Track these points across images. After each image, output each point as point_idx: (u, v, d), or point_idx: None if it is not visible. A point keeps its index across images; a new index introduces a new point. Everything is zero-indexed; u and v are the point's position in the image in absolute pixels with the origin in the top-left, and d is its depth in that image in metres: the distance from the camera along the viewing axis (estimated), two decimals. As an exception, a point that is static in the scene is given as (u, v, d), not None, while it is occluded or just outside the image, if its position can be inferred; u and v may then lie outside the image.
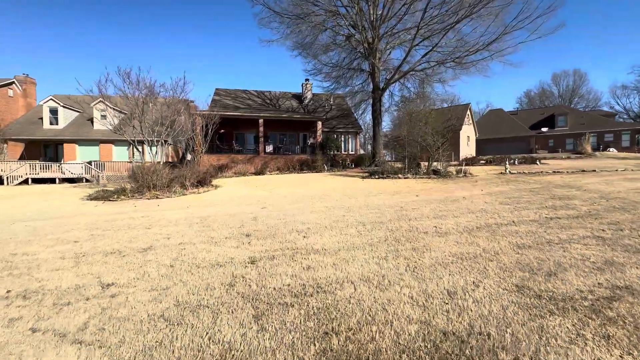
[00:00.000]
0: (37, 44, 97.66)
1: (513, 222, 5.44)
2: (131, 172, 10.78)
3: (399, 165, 16.01)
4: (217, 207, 8.14)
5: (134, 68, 14.23)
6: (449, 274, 3.26)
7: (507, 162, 14.90)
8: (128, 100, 13.31)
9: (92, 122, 24.30)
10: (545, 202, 7.11)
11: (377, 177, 14.13)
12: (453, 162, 18.06)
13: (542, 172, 14.27)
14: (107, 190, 10.65)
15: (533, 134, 37.02)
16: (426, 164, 15.65)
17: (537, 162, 19.05)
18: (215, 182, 14.88)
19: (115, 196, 9.66)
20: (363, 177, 14.64)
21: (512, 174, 14.14)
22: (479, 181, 11.69)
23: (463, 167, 13.81)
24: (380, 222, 5.74)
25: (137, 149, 14.61)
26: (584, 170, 14.28)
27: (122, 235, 5.36)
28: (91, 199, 9.89)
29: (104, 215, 7.38)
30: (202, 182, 12.71)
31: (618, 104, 60.05)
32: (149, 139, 13.61)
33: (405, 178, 13.43)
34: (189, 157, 18.28)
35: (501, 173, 14.51)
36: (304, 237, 4.90)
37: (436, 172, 14.14)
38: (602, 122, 35.15)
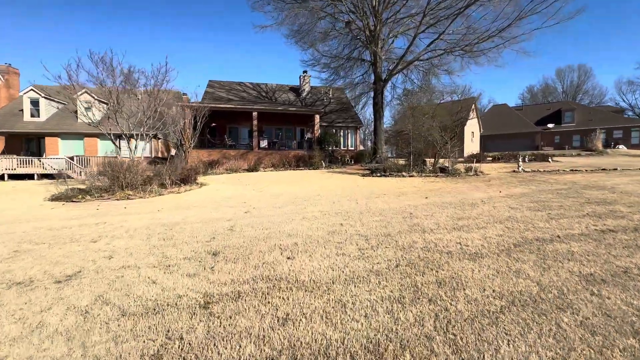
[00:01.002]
0: (23, 34, 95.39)
1: (558, 237, 4.24)
2: (102, 168, 9.53)
3: (402, 162, 14.79)
4: (193, 210, 6.92)
5: (111, 54, 12.93)
6: (507, 340, 2.06)
7: (519, 160, 13.70)
8: (102, 89, 11.99)
9: (76, 115, 22.92)
10: (583, 208, 5.90)
11: (378, 174, 12.92)
12: (458, 159, 16.83)
13: (558, 170, 13.08)
14: (75, 189, 9.42)
15: (539, 130, 35.77)
16: (432, 160, 14.45)
17: (550, 160, 17.87)
18: (202, 179, 13.65)
19: (81, 196, 8.43)
20: (363, 175, 13.43)
21: (527, 172, 12.95)
22: (493, 180, 10.49)
23: (473, 165, 12.62)
24: (387, 234, 4.54)
25: (115, 144, 13.34)
26: (604, 169, 13.08)
27: (54, 252, 4.14)
28: (53, 200, 8.66)
29: (54, 221, 6.16)
30: (186, 179, 11.48)
31: (624, 100, 58.77)
32: (126, 132, 12.33)
33: (410, 176, 12.22)
34: (173, 152, 16.99)
35: (514, 171, 13.32)
36: (288, 258, 3.70)
37: (443, 170, 12.93)
38: (611, 118, 33.91)
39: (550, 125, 35.89)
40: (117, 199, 8.35)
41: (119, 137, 22.94)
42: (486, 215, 5.60)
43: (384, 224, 5.18)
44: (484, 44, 14.43)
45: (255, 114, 19.49)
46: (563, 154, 24.06)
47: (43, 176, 18.91)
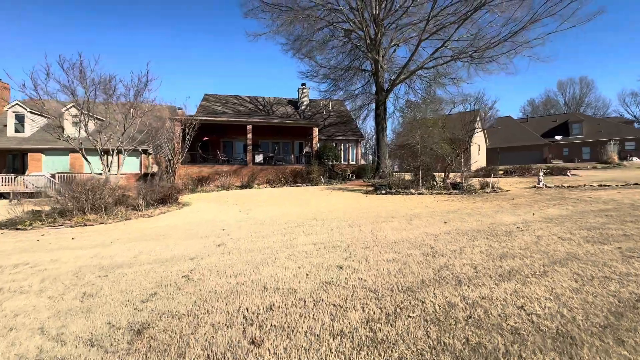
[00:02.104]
0: (22, 47, 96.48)
1: (667, 294, 2.80)
2: (60, 188, 8.19)
3: (408, 177, 13.42)
4: (154, 243, 5.50)
5: (79, 59, 11.60)
6: None
7: (539, 174, 12.32)
8: (75, 99, 10.83)
9: (63, 130, 21.84)
10: (658, 239, 4.48)
11: (383, 192, 11.53)
12: (460, 173, 15.35)
13: (584, 185, 11.67)
14: (31, 211, 8.04)
15: (546, 142, 34.56)
16: (441, 175, 13.10)
17: (568, 174, 16.48)
18: (187, 198, 12.28)
19: (29, 222, 7.04)
20: (366, 192, 12.04)
21: (550, 188, 11.55)
22: (517, 199, 9.07)
23: (490, 180, 11.24)
24: (406, 289, 3.11)
25: (86, 159, 12.06)
26: (636, 184, 11.66)
27: None
28: (-3, 226, 7.27)
29: (-31, 260, 4.74)
30: (165, 200, 10.11)
31: (628, 112, 57.98)
32: (99, 147, 11.09)
33: (419, 194, 10.82)
34: (155, 169, 15.70)
35: (534, 187, 11.92)
36: (252, 342, 2.27)
37: (456, 186, 11.54)
38: (622, 129, 32.72)
39: (557, 138, 34.70)
40: (72, 226, 6.96)
41: (105, 152, 21.86)
42: (534, 250, 4.17)
43: (399, 266, 3.75)
44: (494, 50, 13.35)
45: (249, 127, 18.33)
46: (577, 167, 22.69)
47: (23, 195, 17.59)
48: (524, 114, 67.40)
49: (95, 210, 7.86)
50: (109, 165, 11.62)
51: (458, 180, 12.78)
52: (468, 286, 3.10)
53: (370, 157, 54.39)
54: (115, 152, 11.95)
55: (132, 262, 4.35)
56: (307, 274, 3.60)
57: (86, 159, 11.99)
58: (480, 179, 12.08)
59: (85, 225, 6.95)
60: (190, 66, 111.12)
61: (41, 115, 23.13)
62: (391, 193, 11.25)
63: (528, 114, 66.89)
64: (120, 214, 7.84)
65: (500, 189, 11.10)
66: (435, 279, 3.33)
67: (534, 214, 6.78)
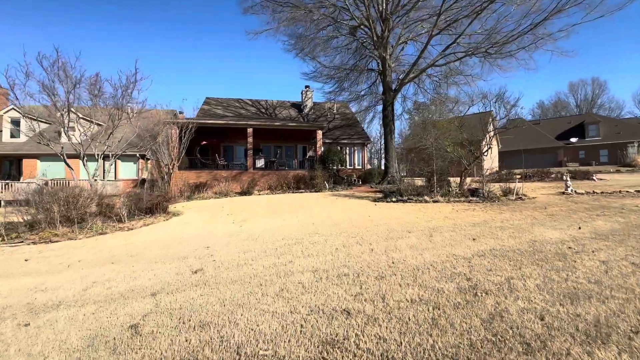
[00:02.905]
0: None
1: None
2: (30, 197, 7.30)
3: (419, 182, 12.29)
4: (117, 268, 4.51)
5: (56, 55, 10.50)
6: None
7: (567, 179, 11.11)
8: (54, 101, 10.02)
9: (59, 135, 21.25)
10: None
11: (394, 199, 10.43)
12: (475, 178, 14.07)
13: (619, 191, 10.42)
14: (2, 224, 7.15)
15: (561, 144, 33.08)
16: (457, 181, 11.97)
17: (594, 178, 15.18)
18: (180, 206, 11.34)
19: (-12, 238, 6.14)
20: (375, 200, 10.95)
21: (580, 194, 10.34)
22: (549, 208, 7.91)
23: (515, 186, 10.07)
24: (450, 357, 2.04)
25: (68, 165, 11.21)
26: (679, 189, 10.39)
27: None
28: (-46, 242, 6.37)
29: None
30: (154, 209, 9.18)
31: (644, 113, 55.90)
32: (82, 152, 10.25)
33: (433, 201, 9.71)
34: (146, 175, 14.84)
35: (563, 193, 10.70)
36: None
37: (475, 193, 10.41)
38: (642, 130, 31.11)
39: (573, 140, 33.20)
40: (35, 242, 6.03)
41: (104, 157, 21.18)
42: (610, 285, 3.07)
43: (431, 312, 2.68)
44: (513, 45, 12.26)
45: (250, 130, 17.43)
46: (599, 170, 21.27)
47: (11, 203, 16.89)
48: (533, 117, 65.70)
49: (69, 223, 6.93)
50: (95, 171, 10.75)
51: (475, 185, 11.64)
52: (546, 358, 2.02)
53: (375, 162, 53.25)
54: (101, 156, 11.10)
55: (76, 299, 3.35)
56: (301, 326, 2.55)
57: (68, 165, 11.15)
58: (501, 184, 10.91)
59: (50, 241, 6.01)
60: (193, 71, 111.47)
61: (41, 121, 22.64)
62: (402, 201, 10.16)
63: (537, 116, 65.20)
64: (96, 227, 6.90)
65: (525, 195, 9.92)
66: (489, 338, 2.25)
67: (579, 227, 5.64)
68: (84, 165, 10.73)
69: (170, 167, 14.53)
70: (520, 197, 9.55)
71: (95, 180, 18.15)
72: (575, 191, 10.64)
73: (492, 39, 12.63)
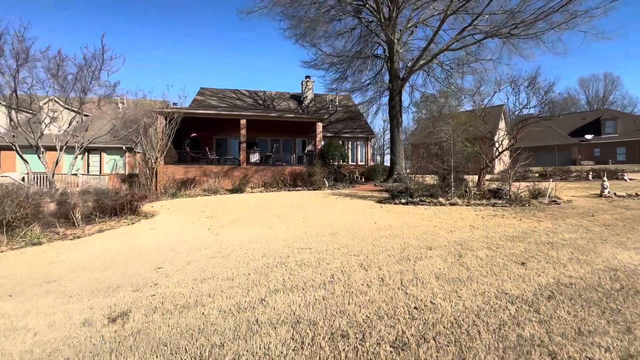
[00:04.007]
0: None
1: None
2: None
3: (429, 180, 10.80)
4: (9, 305, 3.11)
5: None
6: None
7: (604, 178, 9.60)
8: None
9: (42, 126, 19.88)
10: None
11: (403, 200, 8.97)
12: (489, 176, 12.47)
13: (666, 194, 8.94)
14: None
15: (575, 141, 31.38)
16: (473, 179, 10.50)
17: (625, 178, 13.65)
18: (158, 205, 9.95)
19: None
20: (380, 201, 9.50)
21: (621, 197, 8.86)
22: (598, 215, 6.43)
23: (548, 186, 8.58)
24: None
25: (24, 159, 9.81)
26: None
27: None
28: None
29: None
30: (122, 209, 7.79)
31: (659, 110, 53.85)
32: (35, 143, 8.86)
33: (450, 204, 8.24)
34: (135, 170, 13.42)
35: (599, 195, 9.21)
36: None
37: (497, 194, 8.93)
38: (663, 127, 29.34)
39: (588, 137, 31.48)
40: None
41: (86, 150, 19.81)
42: None
43: None
44: (541, 23, 10.63)
45: (243, 121, 15.96)
46: (623, 169, 19.68)
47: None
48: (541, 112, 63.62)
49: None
50: (71, 166, 9.35)
51: (494, 186, 10.17)
52: None
53: (378, 159, 51.59)
54: (63, 148, 9.69)
55: None
56: None
57: (23, 160, 9.75)
58: (522, 183, 9.41)
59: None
60: (189, 60, 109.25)
61: (23, 111, 21.27)
62: (413, 203, 8.70)
63: (545, 112, 63.15)
64: (31, 235, 5.52)
65: (558, 198, 8.44)
66: None
67: (661, 247, 4.17)
68: (39, 157, 9.30)
69: (153, 161, 13.12)
70: (554, 201, 8.06)
71: (75, 174, 16.83)
72: (614, 194, 9.14)
73: (517, 18, 11.02)
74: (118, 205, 7.72)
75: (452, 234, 5.32)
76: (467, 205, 8.02)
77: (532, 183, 9.21)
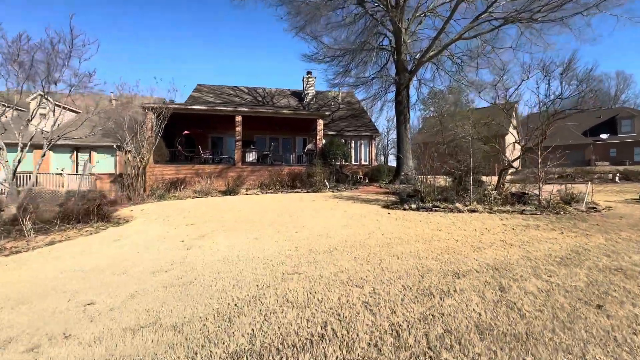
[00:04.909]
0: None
1: None
2: None
3: (442, 181, 9.62)
4: None
5: None
6: None
7: (643, 181, 8.39)
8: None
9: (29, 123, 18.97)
10: None
11: (413, 206, 7.82)
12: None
13: None
14: None
15: (589, 141, 29.92)
16: (491, 181, 9.36)
17: (657, 180, 12.36)
18: (139, 209, 8.92)
19: None
20: (387, 206, 8.35)
21: (667, 203, 7.64)
22: (656, 227, 5.25)
23: (586, 190, 7.40)
24: None
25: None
26: None
27: None
28: None
29: None
30: (90, 215, 6.74)
31: (674, 109, 51.98)
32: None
33: (469, 210, 7.08)
34: (127, 170, 12.34)
35: (639, 200, 8.01)
36: None
37: (522, 199, 7.76)
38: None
39: (603, 136, 30.03)
40: None
41: (75, 149, 18.87)
42: None
43: None
44: (569, 5, 9.41)
45: (238, 118, 14.90)
46: (646, 170, 18.32)
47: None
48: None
49: None
50: (15, 164, 8.34)
51: (514, 189, 9.01)
52: None
53: (382, 159, 50.28)
54: (26, 146, 8.67)
55: None
56: None
57: None
58: (558, 186, 8.21)
59: None
60: (187, 59, 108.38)
61: (8, 107, 20.41)
62: (426, 209, 7.54)
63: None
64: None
65: (596, 204, 7.25)
66: None
67: None
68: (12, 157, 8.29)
69: (139, 160, 12.08)
70: (593, 208, 6.87)
71: (61, 174, 15.86)
72: (659, 199, 7.93)
73: (540, 0, 9.80)
74: (83, 211, 6.67)
75: (481, 253, 4.18)
76: (490, 213, 6.86)
77: (562, 186, 8.01)
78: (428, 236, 5.16)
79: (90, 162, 18.40)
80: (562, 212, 6.56)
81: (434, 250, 4.35)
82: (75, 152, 18.26)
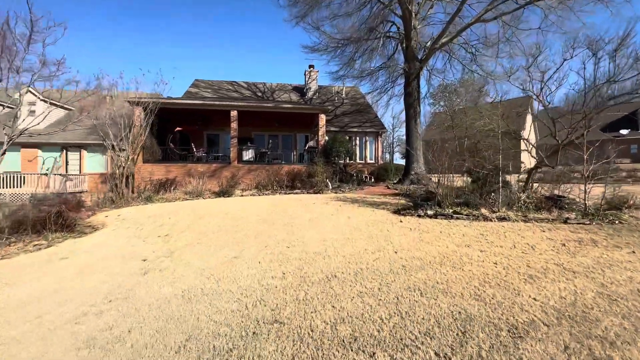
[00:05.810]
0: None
1: None
2: None
3: (459, 182, 8.39)
4: None
5: None
6: None
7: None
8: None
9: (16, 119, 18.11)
10: None
11: (429, 212, 6.61)
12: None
13: None
14: None
15: (608, 137, 28.26)
16: (517, 181, 8.18)
17: (703, 179, 10.98)
18: (116, 214, 7.89)
19: None
20: (398, 211, 7.15)
21: None
22: None
23: (637, 193, 6.19)
24: None
25: None
26: None
27: None
28: None
29: None
30: (43, 224, 5.69)
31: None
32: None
33: (498, 218, 5.87)
34: (118, 169, 11.30)
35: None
36: None
37: (558, 203, 6.54)
38: None
39: (624, 132, 28.35)
40: None
41: (64, 148, 17.96)
42: None
43: None
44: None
45: (234, 113, 13.81)
46: (678, 168, 16.85)
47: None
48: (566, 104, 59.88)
49: None
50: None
51: (543, 190, 7.79)
52: None
53: (387, 157, 48.84)
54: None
55: None
56: None
57: None
58: (602, 188, 6.97)
59: None
60: (187, 57, 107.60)
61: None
62: (444, 215, 6.34)
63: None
64: None
65: (650, 211, 6.00)
66: None
67: None
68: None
69: (124, 159, 11.06)
70: (650, 216, 5.63)
71: (46, 174, 14.94)
72: None
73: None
74: (39, 220, 5.63)
75: (537, 287, 3.00)
76: (525, 221, 5.65)
77: (611, 188, 6.75)
78: (455, 256, 3.99)
79: (80, 161, 17.49)
80: (617, 222, 5.33)
81: (469, 281, 3.18)
82: (64, 151, 17.35)
